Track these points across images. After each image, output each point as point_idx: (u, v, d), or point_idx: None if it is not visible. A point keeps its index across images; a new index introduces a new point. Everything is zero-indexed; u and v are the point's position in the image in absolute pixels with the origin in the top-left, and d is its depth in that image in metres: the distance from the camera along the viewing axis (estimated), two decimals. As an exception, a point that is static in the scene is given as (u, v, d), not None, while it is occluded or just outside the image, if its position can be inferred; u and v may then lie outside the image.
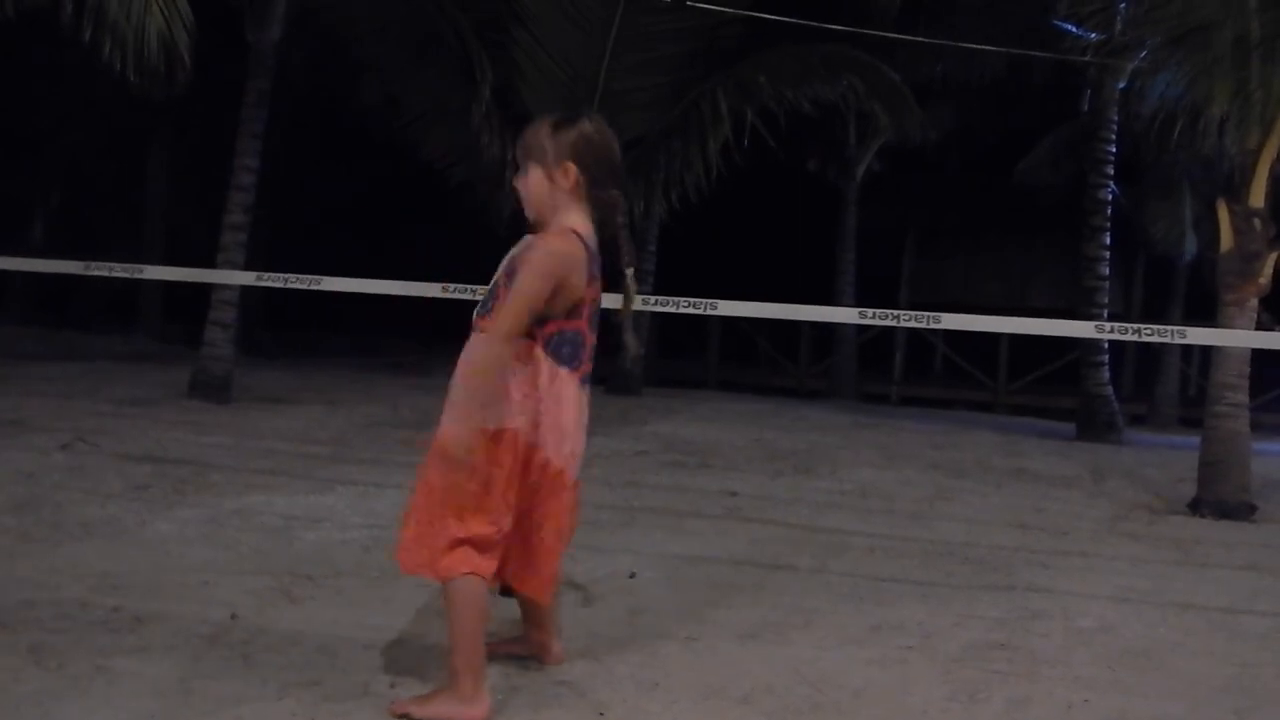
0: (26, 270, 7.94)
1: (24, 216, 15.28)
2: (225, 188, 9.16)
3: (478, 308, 2.69)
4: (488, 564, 2.60)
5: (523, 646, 2.96)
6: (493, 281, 2.68)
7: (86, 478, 5.18)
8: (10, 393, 7.93)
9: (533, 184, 2.69)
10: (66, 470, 5.34)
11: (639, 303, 5.52)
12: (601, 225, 2.73)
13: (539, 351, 2.61)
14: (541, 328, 2.62)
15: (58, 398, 7.95)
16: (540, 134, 2.69)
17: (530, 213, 2.73)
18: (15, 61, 12.39)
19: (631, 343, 2.95)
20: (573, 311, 2.64)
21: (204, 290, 9.19)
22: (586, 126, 2.70)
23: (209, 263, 8.97)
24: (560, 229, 2.66)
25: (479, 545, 2.58)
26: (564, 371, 2.64)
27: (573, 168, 2.65)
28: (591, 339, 2.70)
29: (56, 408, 7.42)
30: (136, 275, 6.19)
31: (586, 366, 2.71)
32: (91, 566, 3.67)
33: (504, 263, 2.68)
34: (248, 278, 8.02)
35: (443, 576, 2.59)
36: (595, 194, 2.70)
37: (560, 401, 2.63)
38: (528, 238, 2.70)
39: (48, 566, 3.65)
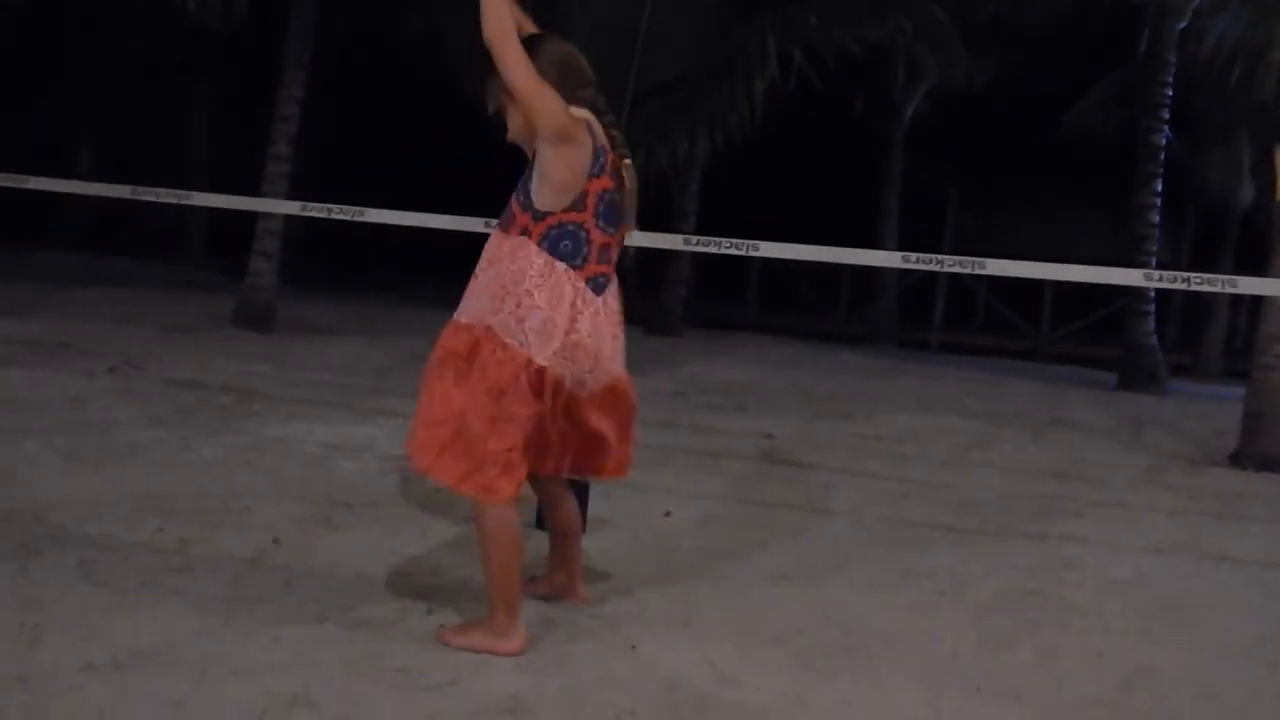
0: (75, 193, 7.99)
1: (71, 146, 15.41)
2: (270, 119, 9.18)
3: (519, 190, 2.67)
4: (508, 483, 2.57)
5: (548, 587, 2.99)
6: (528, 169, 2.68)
7: (133, 401, 5.29)
8: (58, 317, 8.07)
9: (518, 122, 2.66)
10: (113, 393, 5.44)
11: (679, 242, 5.51)
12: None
13: (533, 247, 2.58)
14: (539, 222, 2.59)
15: (105, 322, 8.08)
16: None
17: (521, 142, 2.72)
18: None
19: (631, 228, 2.80)
20: (576, 203, 2.60)
21: (248, 221, 9.26)
22: (554, 47, 2.68)
23: (254, 192, 9.02)
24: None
25: (499, 462, 2.55)
26: (562, 266, 2.59)
27: (553, 88, 2.60)
28: (601, 238, 2.65)
29: (103, 333, 7.54)
30: (183, 201, 6.23)
31: (597, 268, 2.65)
32: (137, 488, 3.76)
33: (519, 184, 2.68)
34: (292, 207, 8.02)
35: (470, 491, 2.57)
36: (582, 102, 2.67)
37: (553, 300, 2.57)
38: None
39: (95, 487, 3.74)
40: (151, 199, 5.48)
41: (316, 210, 5.17)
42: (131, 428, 4.72)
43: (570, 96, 2.64)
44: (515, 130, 2.69)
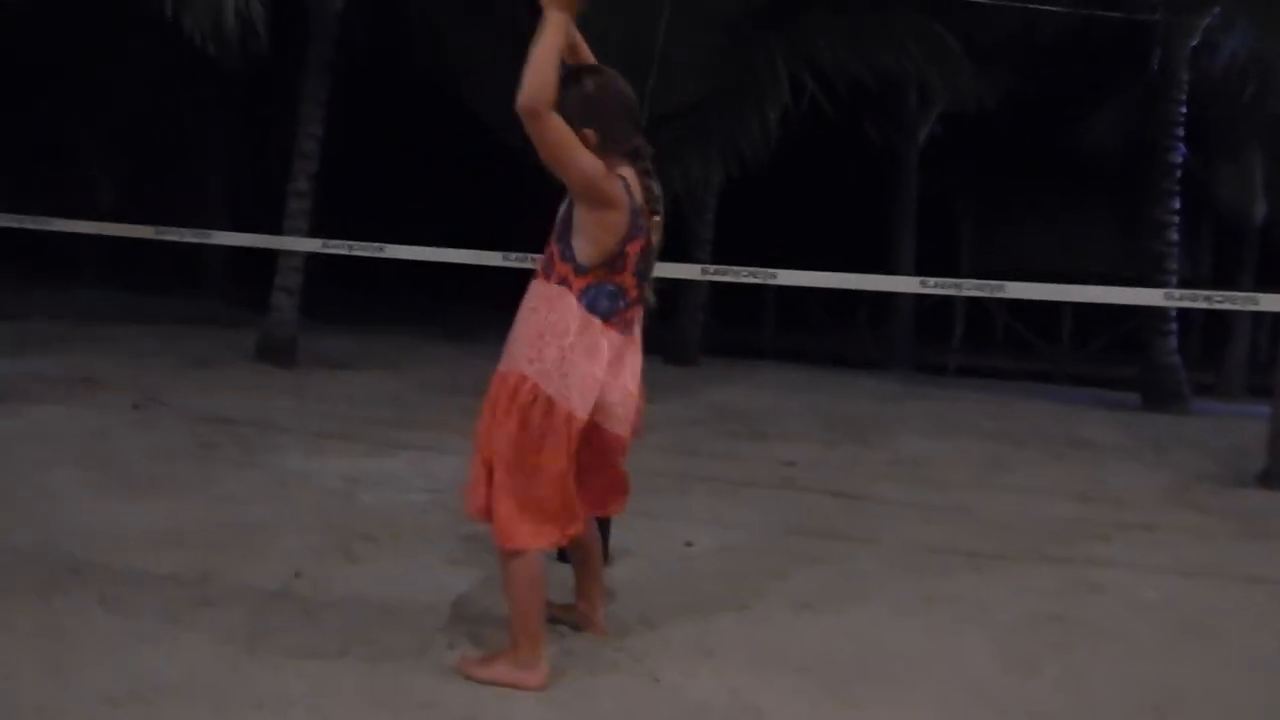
0: (100, 234, 8.12)
1: (94, 183, 15.62)
2: (290, 154, 9.28)
3: (557, 238, 2.65)
4: (550, 534, 2.62)
5: (569, 615, 3.00)
6: (562, 209, 2.66)
7: (156, 435, 5.33)
8: (82, 353, 8.15)
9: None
10: (137, 428, 5.49)
11: (697, 272, 5.53)
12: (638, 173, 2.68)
13: (572, 300, 2.58)
14: (580, 277, 2.58)
15: (128, 358, 8.15)
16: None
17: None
18: (83, 33, 12.64)
19: (649, 296, 2.77)
20: (614, 264, 2.59)
21: (269, 255, 9.34)
22: (587, 85, 2.61)
23: (274, 227, 9.11)
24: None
25: (538, 513, 2.59)
26: (599, 323, 2.60)
27: (591, 135, 2.56)
28: (636, 291, 2.65)
29: (127, 368, 7.61)
30: (205, 240, 6.31)
31: (629, 313, 2.66)
32: (160, 521, 3.79)
33: (557, 223, 2.66)
34: (313, 244, 8.13)
35: (510, 545, 2.60)
36: (620, 149, 2.62)
37: (592, 353, 2.59)
38: None
39: (119, 521, 3.76)
40: (174, 239, 5.55)
41: (337, 247, 5.22)
42: (154, 461, 4.75)
43: (608, 143, 2.58)
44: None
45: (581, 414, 2.58)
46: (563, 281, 2.59)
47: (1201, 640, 3.26)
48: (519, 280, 2.73)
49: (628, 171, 2.62)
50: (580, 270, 2.59)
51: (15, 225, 5.88)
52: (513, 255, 4.70)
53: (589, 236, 2.57)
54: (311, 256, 9.78)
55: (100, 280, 14.52)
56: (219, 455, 5.01)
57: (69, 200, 13.52)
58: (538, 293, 2.63)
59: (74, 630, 2.73)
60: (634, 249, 2.60)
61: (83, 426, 5.38)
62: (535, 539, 2.61)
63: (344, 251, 5.19)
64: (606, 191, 2.54)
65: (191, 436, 5.36)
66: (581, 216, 2.57)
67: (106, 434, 5.26)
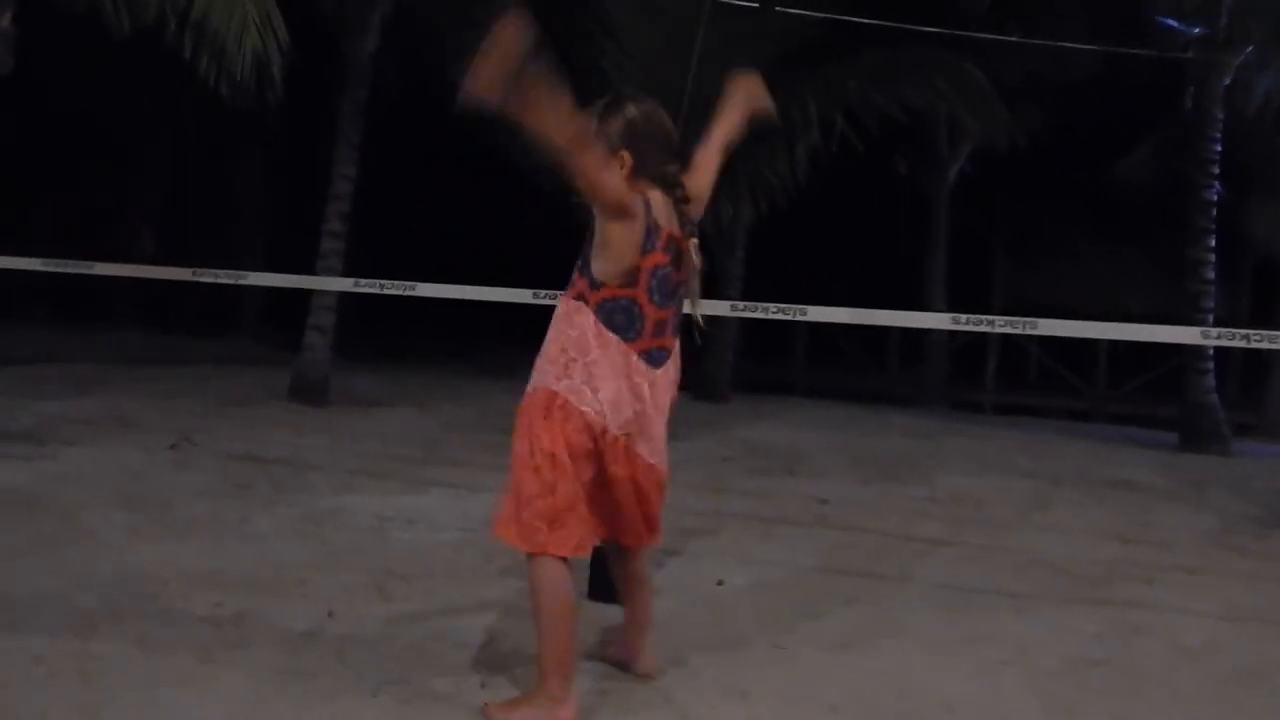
0: (139, 277, 8.27)
1: (131, 226, 15.91)
2: (324, 196, 9.41)
3: (580, 257, 2.69)
4: (565, 538, 2.59)
5: (616, 652, 2.98)
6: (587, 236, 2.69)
7: (191, 476, 5.37)
8: (119, 395, 8.26)
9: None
10: (172, 468, 5.54)
11: (726, 308, 5.53)
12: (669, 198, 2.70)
13: (591, 315, 2.61)
14: (595, 291, 2.62)
15: (164, 398, 8.25)
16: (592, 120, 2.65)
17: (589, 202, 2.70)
18: (121, 76, 12.92)
19: (696, 313, 2.79)
20: (627, 279, 2.61)
21: (302, 295, 9.45)
22: (631, 110, 2.68)
23: (307, 266, 9.23)
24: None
25: (552, 517, 2.57)
26: (615, 339, 2.61)
27: (627, 156, 2.63)
28: (654, 313, 2.65)
29: (163, 408, 7.70)
30: (240, 282, 6.40)
31: (653, 341, 2.65)
32: (195, 562, 3.80)
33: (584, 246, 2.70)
34: (345, 284, 8.21)
35: (526, 545, 2.59)
36: (651, 173, 2.67)
37: (615, 372, 2.60)
38: None
39: (155, 561, 3.79)
40: (210, 279, 5.63)
41: (369, 286, 5.27)
42: (190, 502, 4.78)
43: (644, 169, 2.64)
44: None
45: (615, 429, 2.60)
46: (580, 297, 2.64)
47: (1249, 687, 3.18)
48: (548, 318, 2.75)
49: (656, 195, 2.67)
50: (595, 285, 2.63)
51: (57, 269, 5.99)
52: (542, 293, 4.73)
53: (604, 250, 2.62)
54: (344, 296, 9.89)
55: (136, 322, 14.74)
56: (253, 495, 5.04)
57: (108, 244, 13.78)
58: (559, 310, 2.70)
59: (110, 671, 2.74)
60: (647, 264, 2.63)
61: (119, 467, 5.43)
62: (553, 543, 2.57)
63: (376, 290, 5.23)
64: (624, 201, 2.58)
65: (226, 476, 5.40)
66: (600, 224, 2.62)
67: (142, 475, 5.31)
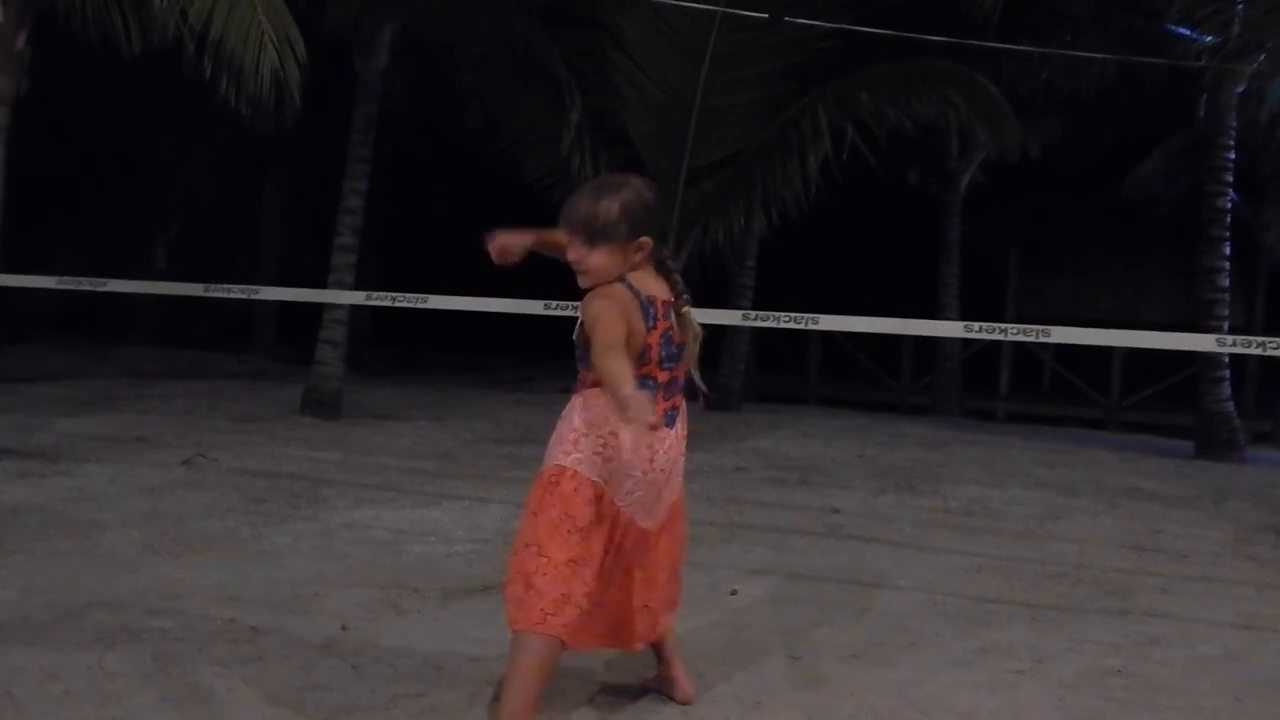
0: (152, 293, 8.32)
1: (146, 244, 16.01)
2: (335, 211, 9.46)
3: (578, 358, 2.64)
4: (567, 617, 2.48)
5: (652, 682, 2.94)
6: (575, 332, 2.63)
7: (206, 492, 5.39)
8: (134, 411, 8.30)
9: (605, 261, 2.58)
10: (187, 485, 5.56)
11: (739, 318, 5.52)
12: (657, 270, 2.67)
13: (607, 396, 2.53)
14: None
15: (179, 415, 8.29)
16: (606, 212, 2.56)
17: (589, 282, 2.61)
18: (135, 96, 13.03)
19: (697, 377, 2.77)
20: (640, 358, 2.56)
21: (315, 311, 9.49)
22: (644, 192, 2.62)
23: (320, 283, 9.28)
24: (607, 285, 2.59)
25: (560, 599, 2.47)
26: None
27: (648, 241, 2.59)
28: (666, 376, 2.63)
29: (178, 424, 7.74)
30: (253, 296, 6.43)
31: (665, 404, 2.63)
32: (211, 578, 3.82)
33: (578, 328, 2.62)
34: (357, 297, 8.26)
35: (532, 627, 2.46)
36: (635, 254, 2.60)
37: (635, 442, 2.56)
38: (587, 298, 2.62)
39: (171, 578, 3.80)
40: (223, 295, 5.66)
41: (381, 299, 5.29)
42: (205, 518, 4.80)
43: (634, 252, 2.58)
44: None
45: (619, 500, 2.56)
46: (594, 385, 2.57)
47: (1267, 697, 3.16)
48: (560, 329, 2.74)
49: (636, 279, 2.60)
50: None
51: (72, 287, 6.04)
52: (554, 304, 4.74)
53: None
54: (357, 311, 9.94)
55: (151, 340, 14.82)
56: (267, 510, 5.06)
57: (123, 262, 13.87)
58: (571, 404, 2.64)
59: (129, 691, 2.74)
60: (654, 339, 2.59)
61: (135, 484, 5.46)
62: (545, 621, 2.45)
63: (388, 304, 5.25)
64: (621, 338, 2.49)
65: (240, 492, 5.42)
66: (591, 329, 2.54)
67: (158, 491, 5.34)
